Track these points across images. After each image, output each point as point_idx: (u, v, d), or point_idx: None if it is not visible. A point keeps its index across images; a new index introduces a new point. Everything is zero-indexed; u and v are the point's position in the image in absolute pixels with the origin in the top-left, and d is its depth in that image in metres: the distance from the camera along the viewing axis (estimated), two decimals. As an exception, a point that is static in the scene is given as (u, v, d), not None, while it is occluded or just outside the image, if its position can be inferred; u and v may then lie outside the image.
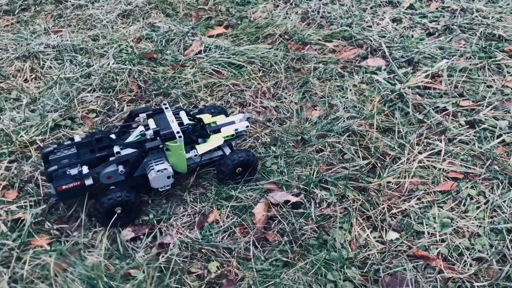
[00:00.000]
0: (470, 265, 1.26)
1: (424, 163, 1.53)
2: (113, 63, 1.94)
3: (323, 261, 1.26)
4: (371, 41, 2.09)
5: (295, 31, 2.18)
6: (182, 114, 1.46)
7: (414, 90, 1.82)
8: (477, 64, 1.96)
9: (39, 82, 1.87)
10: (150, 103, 1.80)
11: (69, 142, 1.40)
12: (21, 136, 1.61)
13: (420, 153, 1.56)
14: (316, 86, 1.87)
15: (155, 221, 1.39)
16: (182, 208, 1.42)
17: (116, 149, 1.35)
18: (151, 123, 1.40)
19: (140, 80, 1.88)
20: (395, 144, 1.59)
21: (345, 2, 2.40)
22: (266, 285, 1.21)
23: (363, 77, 1.91)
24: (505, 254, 1.27)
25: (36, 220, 1.37)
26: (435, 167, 1.52)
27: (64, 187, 1.31)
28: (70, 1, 2.44)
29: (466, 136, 1.62)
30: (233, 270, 1.25)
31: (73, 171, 1.31)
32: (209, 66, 1.96)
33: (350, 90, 1.83)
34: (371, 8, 2.36)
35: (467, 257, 1.28)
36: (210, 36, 2.17)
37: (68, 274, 1.19)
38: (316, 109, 1.78)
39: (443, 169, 1.52)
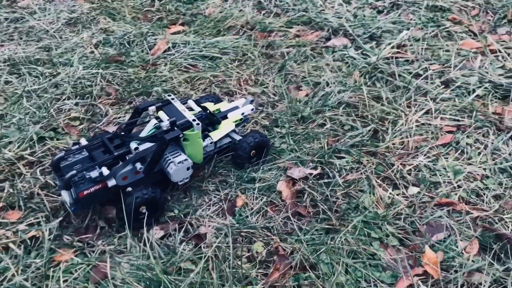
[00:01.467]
0: (491, 202, 1.35)
1: (420, 122, 1.62)
2: (81, 70, 1.83)
3: (362, 222, 1.28)
4: (332, 23, 2.16)
5: (255, 21, 2.20)
6: (191, 103, 1.42)
7: (385, 61, 1.91)
8: (431, 33, 2.11)
9: None
10: (133, 103, 1.72)
11: (77, 146, 1.30)
12: (4, 153, 1.46)
13: (414, 113, 1.64)
14: (294, 68, 1.91)
15: (181, 216, 1.33)
16: (206, 199, 1.38)
17: (133, 145, 1.28)
18: (162, 115, 1.34)
19: (116, 83, 1.79)
20: (390, 109, 1.66)
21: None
22: (318, 253, 1.21)
23: (334, 56, 1.97)
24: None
25: (53, 235, 1.25)
26: (430, 124, 1.62)
27: (85, 192, 1.21)
28: (2, 16, 2.26)
29: (445, 94, 1.74)
30: (280, 246, 1.23)
31: (94, 174, 1.22)
32: (183, 61, 1.92)
33: (332, 67, 1.88)
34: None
35: (486, 197, 1.38)
36: (171, 34, 2.12)
37: (124, 277, 1.10)
38: (301, 90, 1.81)
39: (438, 125, 1.61)
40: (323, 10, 2.30)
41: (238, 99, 1.55)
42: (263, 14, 2.28)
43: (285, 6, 2.34)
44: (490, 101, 1.73)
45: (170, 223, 1.32)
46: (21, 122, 1.59)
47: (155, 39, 2.08)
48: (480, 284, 1.14)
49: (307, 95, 1.78)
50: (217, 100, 1.58)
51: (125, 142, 1.32)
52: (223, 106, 1.50)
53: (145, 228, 1.26)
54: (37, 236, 1.26)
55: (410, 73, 1.87)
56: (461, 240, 1.26)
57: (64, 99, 1.71)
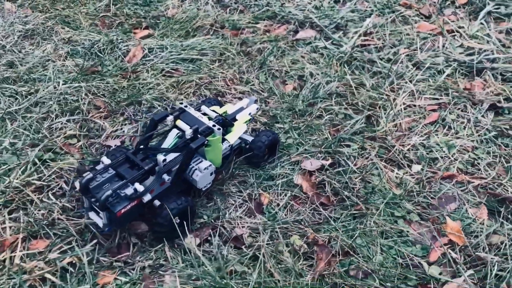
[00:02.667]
0: (486, 170, 1.51)
1: (406, 104, 1.75)
2: (62, 85, 1.76)
3: (384, 204, 1.38)
4: (297, 16, 2.23)
5: (223, 19, 2.22)
6: (204, 108, 1.43)
7: (358, 49, 2.02)
8: (388, 19, 2.25)
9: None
10: (126, 114, 1.69)
11: (102, 164, 1.27)
12: (9, 182, 1.39)
13: (399, 97, 1.77)
14: (274, 63, 1.96)
15: (212, 220, 1.36)
16: (231, 200, 1.41)
17: (161, 157, 1.28)
18: (181, 124, 1.35)
19: (101, 95, 1.75)
20: (376, 94, 1.77)
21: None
22: (354, 237, 1.29)
23: (306, 48, 2.05)
24: (501, 155, 1.55)
25: (89, 258, 1.23)
26: (415, 105, 1.75)
27: (123, 210, 1.20)
28: None
29: (419, 76, 1.89)
30: (317, 236, 1.30)
31: (128, 191, 1.21)
32: (164, 66, 1.90)
33: (308, 59, 1.95)
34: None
35: (481, 165, 1.53)
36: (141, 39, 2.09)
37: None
38: (287, 84, 1.87)
39: (422, 105, 1.75)
40: (284, 3, 2.36)
41: (241, 100, 1.58)
42: (228, 12, 2.29)
43: (246, 2, 2.37)
44: (458, 78, 1.89)
45: (203, 230, 1.33)
46: (15, 146, 1.50)
47: (126, 45, 2.03)
48: (501, 243, 1.28)
49: (294, 88, 1.84)
50: (218, 102, 1.60)
51: (148, 155, 1.31)
52: (229, 108, 1.53)
53: (190, 237, 1.26)
54: (73, 262, 1.22)
55: (382, 58, 1.99)
56: (470, 207, 1.40)
57: (53, 118, 1.63)
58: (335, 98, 1.77)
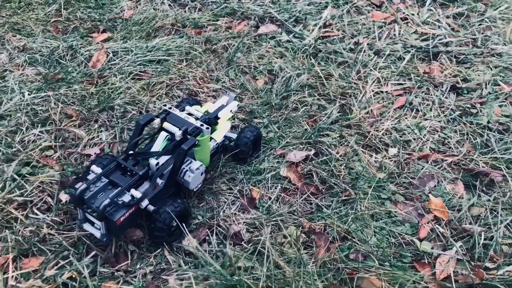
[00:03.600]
0: (457, 147, 1.61)
1: (374, 91, 1.82)
2: (28, 95, 1.69)
3: (370, 188, 1.45)
4: (256, 11, 2.26)
5: (183, 18, 2.21)
6: (189, 108, 1.43)
7: (320, 41, 2.08)
8: (343, 10, 2.33)
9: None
10: (100, 120, 1.65)
11: (92, 174, 1.24)
12: (-12, 200, 1.33)
13: (367, 84, 1.84)
14: (241, 59, 1.98)
15: (207, 220, 1.36)
16: (222, 198, 1.42)
17: (154, 161, 1.27)
18: (169, 126, 1.34)
19: (71, 103, 1.70)
20: (345, 83, 1.83)
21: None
22: (349, 222, 1.34)
23: (269, 42, 2.08)
24: (468, 132, 1.66)
25: (89, 271, 1.20)
26: (382, 92, 1.83)
27: (122, 219, 1.19)
28: None
29: (381, 63, 1.97)
30: (313, 225, 1.34)
31: (126, 198, 1.19)
32: (131, 69, 1.87)
33: (274, 53, 1.99)
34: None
35: (451, 143, 1.63)
36: (96, 44, 2.03)
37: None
38: (257, 79, 1.90)
39: (389, 91, 1.83)
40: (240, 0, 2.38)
41: (220, 98, 1.59)
42: (187, 10, 2.28)
43: (203, 0, 2.36)
44: (417, 63, 1.99)
45: (199, 230, 1.34)
46: (-13, 163, 1.44)
47: (88, 50, 1.98)
48: (481, 214, 1.37)
49: (265, 83, 1.87)
50: (196, 102, 1.60)
51: (138, 161, 1.30)
52: (210, 107, 1.53)
53: (188, 239, 1.26)
54: (73, 276, 1.19)
55: (344, 49, 2.05)
56: (447, 184, 1.49)
57: (23, 130, 1.57)
58: (307, 90, 1.81)
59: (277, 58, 1.99)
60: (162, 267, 1.25)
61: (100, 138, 1.58)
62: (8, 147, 1.51)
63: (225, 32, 2.15)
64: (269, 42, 2.10)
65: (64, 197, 1.38)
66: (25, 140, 1.54)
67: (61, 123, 1.62)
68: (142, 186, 1.25)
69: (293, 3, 2.37)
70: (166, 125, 1.34)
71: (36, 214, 1.33)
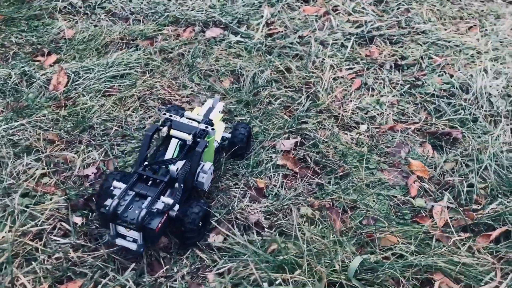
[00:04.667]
0: (415, 116, 1.84)
1: (332, 77, 2.01)
2: (3, 126, 1.64)
3: (356, 160, 1.62)
4: (199, 16, 2.34)
5: (130, 31, 2.23)
6: (188, 114, 1.50)
7: (268, 38, 2.22)
8: (277, 8, 2.49)
9: None
10: (84, 141, 1.65)
11: (118, 189, 1.27)
12: (3, 237, 1.30)
13: (323, 72, 2.01)
14: (202, 64, 2.06)
15: (224, 216, 1.45)
16: (231, 194, 1.51)
17: (174, 167, 1.33)
18: (176, 132, 1.40)
19: (48, 128, 1.67)
20: (306, 74, 1.99)
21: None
22: (351, 195, 1.50)
23: (220, 45, 2.18)
24: (420, 102, 1.91)
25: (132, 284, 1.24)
26: (339, 77, 2.02)
27: (159, 226, 1.24)
28: None
29: (329, 52, 2.17)
30: (320, 202, 1.48)
31: (159, 205, 1.24)
32: (98, 86, 1.87)
33: (228, 54, 2.09)
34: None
35: (409, 113, 1.86)
36: (48, 67, 1.99)
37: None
38: (223, 80, 1.99)
39: (344, 75, 2.03)
40: (179, 7, 2.44)
41: (206, 102, 1.66)
42: (131, 23, 2.29)
43: (143, 12, 2.39)
44: (358, 48, 2.21)
45: (220, 226, 1.41)
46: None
47: (43, 74, 1.93)
48: (453, 168, 1.61)
49: (231, 83, 1.97)
50: (181, 109, 1.66)
51: (155, 170, 1.35)
52: (199, 111, 1.60)
53: (213, 236, 1.34)
54: (117, 294, 1.22)
55: (292, 43, 2.22)
56: (417, 147, 1.71)
57: (8, 163, 1.52)
58: (273, 84, 1.94)
59: (234, 58, 2.09)
60: (197, 266, 1.31)
61: (93, 158, 1.57)
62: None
63: (176, 40, 2.21)
64: (220, 45, 2.19)
65: (78, 219, 1.38)
66: (15, 172, 1.49)
67: (46, 149, 1.58)
68: (168, 193, 1.30)
69: (230, 6, 2.48)
70: (173, 132, 1.39)
71: (56, 241, 1.31)
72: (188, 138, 1.36)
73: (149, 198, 1.24)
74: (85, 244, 1.32)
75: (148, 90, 1.89)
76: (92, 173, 1.52)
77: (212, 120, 1.52)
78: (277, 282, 1.18)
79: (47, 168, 1.51)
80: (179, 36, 2.24)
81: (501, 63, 2.10)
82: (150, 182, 1.29)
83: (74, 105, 1.78)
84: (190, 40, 2.20)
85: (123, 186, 1.27)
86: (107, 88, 1.87)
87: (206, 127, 1.42)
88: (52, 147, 1.60)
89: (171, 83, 1.94)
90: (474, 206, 1.46)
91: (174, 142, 1.38)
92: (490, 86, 1.88)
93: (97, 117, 1.73)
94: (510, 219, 1.41)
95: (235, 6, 2.46)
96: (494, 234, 1.38)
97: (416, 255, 1.30)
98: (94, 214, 1.39)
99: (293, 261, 1.22)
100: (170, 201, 1.24)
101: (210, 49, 2.14)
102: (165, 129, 1.38)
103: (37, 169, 1.50)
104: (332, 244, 1.28)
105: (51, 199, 1.43)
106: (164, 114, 1.45)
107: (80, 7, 2.40)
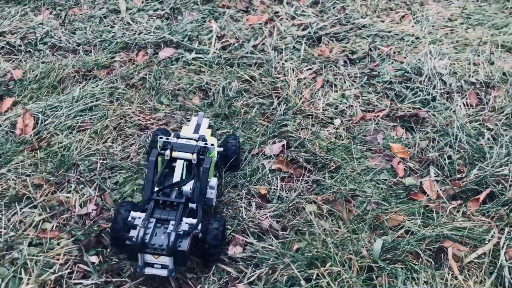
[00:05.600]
0: (380, 103, 1.98)
1: (296, 79, 2.10)
2: (-21, 179, 1.56)
3: (343, 153, 1.72)
4: (148, 39, 2.34)
5: (83, 63, 2.19)
6: (183, 134, 1.52)
7: (223, 51, 2.27)
8: (222, 20, 2.56)
9: None
10: (73, 180, 1.61)
11: (138, 219, 1.27)
12: (22, 291, 1.25)
13: (286, 76, 2.10)
14: (167, 85, 2.07)
15: (237, 228, 1.48)
16: (236, 204, 1.54)
17: (187, 188, 1.35)
18: (179, 154, 1.42)
19: (29, 174, 1.61)
20: (272, 79, 2.07)
21: (79, 26, 2.46)
22: (348, 185, 1.60)
23: (177, 63, 2.20)
24: (380, 90, 2.05)
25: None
26: (302, 78, 2.12)
27: (188, 247, 1.25)
28: None
29: (285, 56, 2.26)
30: (326, 196, 1.56)
31: (184, 227, 1.26)
32: (70, 123, 1.83)
33: (188, 71, 2.12)
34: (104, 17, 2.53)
35: (374, 102, 2.00)
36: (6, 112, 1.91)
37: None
38: (191, 98, 2.02)
39: (306, 76, 2.13)
40: (125, 32, 2.43)
41: (191, 120, 1.67)
42: (82, 54, 2.25)
43: (89, 42, 2.35)
44: (309, 48, 2.33)
45: (235, 238, 1.45)
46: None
47: (5, 119, 1.85)
48: (428, 145, 1.75)
49: (201, 99, 2.00)
50: (167, 131, 1.67)
51: (168, 194, 1.36)
52: (187, 130, 1.62)
53: (231, 248, 1.38)
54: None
55: (247, 52, 2.29)
56: (390, 132, 1.84)
57: (2, 215, 1.46)
58: (243, 94, 2.00)
59: (196, 74, 2.12)
60: (225, 280, 1.33)
61: (88, 195, 1.54)
62: (-5, 237, 1.38)
63: (132, 65, 2.19)
64: (177, 64, 2.21)
65: (93, 258, 1.35)
66: (9, 224, 1.43)
67: (37, 194, 1.53)
68: (200, 212, 1.31)
69: (176, 24, 2.50)
70: (176, 154, 1.40)
71: (79, 284, 1.28)
72: (193, 157, 1.38)
73: (172, 222, 1.25)
74: (109, 280, 1.29)
75: (121, 119, 1.86)
76: (92, 209, 1.49)
77: (205, 136, 1.55)
78: (313, 278, 1.23)
79: (45, 214, 1.46)
80: (134, 61, 2.23)
81: (438, 45, 2.30)
82: (167, 206, 1.29)
83: (49, 145, 1.73)
84: (147, 64, 2.19)
85: (142, 215, 1.26)
86: (79, 123, 1.82)
87: (206, 143, 1.45)
88: (41, 191, 1.54)
89: (142, 108, 1.93)
90: (458, 175, 1.60)
91: (180, 163, 1.39)
92: (438, 67, 2.06)
93: (77, 154, 1.68)
94: (491, 181, 1.56)
95: (181, 24, 2.48)
96: (482, 197, 1.52)
97: (423, 228, 1.41)
98: (109, 249, 1.36)
99: (323, 255, 1.28)
100: (193, 221, 1.26)
101: (169, 69, 2.15)
102: (167, 152, 1.39)
103: (34, 216, 1.44)
104: (352, 232, 1.35)
105: (58, 244, 1.38)
106: (161, 137, 1.45)
107: (20, 46, 2.31)
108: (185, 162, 1.39)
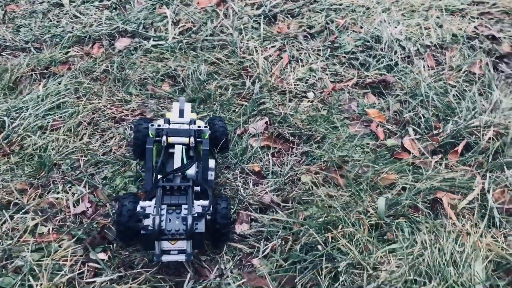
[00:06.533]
0: (347, 73, 2.05)
1: (262, 58, 2.12)
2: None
3: (324, 123, 1.77)
4: (101, 30, 2.26)
5: (38, 61, 2.08)
6: (173, 119, 1.49)
7: (181, 37, 2.24)
8: (175, 6, 2.51)
9: None
10: (58, 180, 1.55)
11: (149, 208, 1.25)
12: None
13: (253, 54, 2.11)
14: (132, 75, 2.02)
15: (239, 207, 1.49)
16: (234, 184, 1.55)
17: (191, 171, 1.34)
18: (175, 139, 1.40)
19: (9, 180, 1.53)
20: (239, 59, 2.07)
21: (23, 22, 2.32)
22: (336, 153, 1.65)
23: (137, 52, 2.15)
24: (344, 61, 2.12)
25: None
26: (268, 56, 2.14)
27: (204, 229, 1.25)
28: None
29: (246, 36, 2.27)
30: (315, 168, 1.61)
31: (198, 209, 1.26)
32: (40, 123, 1.74)
33: (151, 59, 2.08)
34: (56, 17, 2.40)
35: (341, 73, 2.06)
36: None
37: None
38: (160, 86, 1.98)
39: (271, 54, 2.16)
40: (74, 25, 2.33)
41: (174, 106, 1.64)
42: (34, 52, 2.13)
43: (38, 38, 2.23)
44: (268, 26, 2.35)
45: (239, 216, 1.46)
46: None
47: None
48: (400, 107, 1.84)
49: (171, 85, 1.97)
50: (149, 120, 1.64)
51: (172, 179, 1.34)
52: (172, 115, 1.60)
53: (238, 226, 1.38)
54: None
55: (207, 35, 2.27)
56: (362, 99, 1.92)
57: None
58: (214, 76, 1.99)
59: (158, 62, 2.07)
60: (239, 257, 1.34)
61: (79, 193, 1.48)
62: (-11, 248, 1.30)
63: (91, 58, 2.11)
64: (137, 53, 2.15)
65: (102, 255, 1.31)
66: (3, 233, 1.35)
67: (23, 199, 1.45)
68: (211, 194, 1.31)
69: (128, 14, 2.43)
70: (172, 139, 1.39)
71: (93, 282, 1.24)
72: (191, 140, 1.36)
73: (184, 206, 1.24)
74: (123, 274, 1.26)
75: (93, 113, 1.79)
76: (87, 207, 1.44)
77: (195, 119, 1.53)
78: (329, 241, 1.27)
79: (38, 218, 1.39)
80: (91, 54, 2.14)
81: (389, 14, 2.41)
82: (174, 191, 1.28)
83: (22, 148, 1.63)
84: (106, 55, 2.11)
85: (151, 203, 1.24)
86: (51, 122, 1.73)
87: (199, 126, 1.43)
88: (27, 196, 1.46)
89: (112, 100, 1.87)
90: (435, 132, 1.70)
91: (178, 148, 1.37)
92: (395, 33, 2.16)
93: (56, 154, 1.61)
94: (464, 133, 1.68)
95: (132, 13, 2.41)
96: (459, 148, 1.63)
97: (415, 183, 1.49)
98: (115, 244, 1.32)
99: (334, 218, 1.32)
100: (205, 203, 1.25)
101: (130, 59, 2.09)
102: (164, 138, 1.36)
103: (27, 221, 1.37)
104: (356, 194, 1.41)
105: (60, 246, 1.32)
106: (152, 124, 1.42)
107: (-40, 49, 2.14)
108: (184, 147, 1.37)
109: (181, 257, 1.22)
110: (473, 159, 1.60)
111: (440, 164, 1.60)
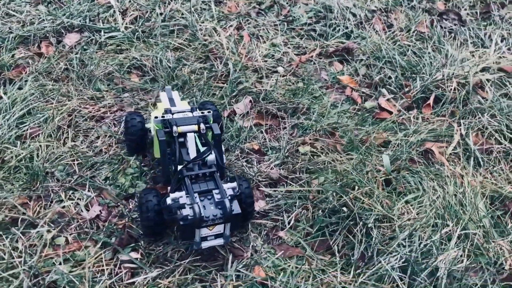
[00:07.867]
0: (308, 45, 2.13)
1: (225, 38, 2.13)
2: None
3: (305, 95, 1.85)
4: (45, 28, 2.13)
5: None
6: (175, 108, 1.48)
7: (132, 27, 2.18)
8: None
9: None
10: (58, 189, 1.49)
11: (182, 198, 1.25)
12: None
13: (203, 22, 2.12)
14: (95, 71, 1.94)
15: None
16: (240, 163, 1.59)
17: (211, 157, 1.35)
18: (184, 128, 1.40)
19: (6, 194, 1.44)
20: (202, 42, 2.07)
21: None
22: (324, 121, 1.74)
23: (91, 47, 2.06)
24: (302, 33, 2.19)
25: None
26: (229, 36, 2.16)
27: (240, 210, 1.28)
28: None
29: (200, 18, 2.26)
30: (313, 136, 1.68)
31: (229, 192, 1.28)
32: (16, 132, 1.64)
33: (111, 51, 2.01)
34: None
35: (303, 45, 2.14)
36: None
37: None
38: (130, 79, 1.94)
39: (230, 34, 2.17)
40: (10, 25, 2.17)
41: (162, 94, 1.61)
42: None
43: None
44: (216, 7, 2.35)
45: (254, 194, 1.50)
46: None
47: None
48: (367, 70, 1.97)
49: (140, 76, 1.93)
50: (139, 114, 1.61)
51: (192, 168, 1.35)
52: (163, 103, 1.58)
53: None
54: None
55: (160, 21, 2.23)
56: (329, 67, 2.02)
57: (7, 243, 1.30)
58: (183, 62, 1.97)
59: (117, 54, 2.01)
60: (266, 233, 1.39)
61: (86, 197, 1.43)
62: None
63: (44, 58, 1.99)
64: (91, 47, 2.07)
65: (134, 254, 1.30)
66: (18, 251, 1.28)
67: (28, 213, 1.37)
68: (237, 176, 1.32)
69: (67, 8, 2.30)
70: (182, 128, 1.38)
71: (136, 281, 1.23)
72: (202, 127, 1.37)
73: (215, 191, 1.25)
74: (162, 269, 1.26)
75: (69, 115, 1.71)
76: (100, 210, 1.40)
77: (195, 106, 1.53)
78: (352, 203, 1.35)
79: (52, 230, 1.32)
80: (41, 53, 2.02)
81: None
82: (198, 179, 1.28)
83: (4, 162, 1.53)
84: (60, 54, 2.00)
85: (182, 193, 1.24)
86: (28, 130, 1.63)
87: (203, 112, 1.44)
88: (31, 209, 1.38)
89: (83, 99, 1.79)
90: (406, 89, 1.84)
91: (191, 136, 1.37)
92: (344, 1, 2.27)
93: (45, 162, 1.53)
94: (431, 87, 1.84)
95: (72, 6, 2.29)
96: (431, 102, 1.78)
97: (405, 138, 1.62)
98: (143, 241, 1.31)
99: (351, 180, 1.41)
100: (232, 185, 1.28)
101: (85, 55, 2.00)
102: (175, 128, 1.35)
103: (42, 235, 1.30)
104: (363, 155, 1.50)
105: (87, 254, 1.28)
106: (156, 117, 1.40)
107: None
108: (195, 134, 1.37)
109: (220, 241, 1.24)
110: (445, 110, 1.75)
111: (417, 119, 1.73)
